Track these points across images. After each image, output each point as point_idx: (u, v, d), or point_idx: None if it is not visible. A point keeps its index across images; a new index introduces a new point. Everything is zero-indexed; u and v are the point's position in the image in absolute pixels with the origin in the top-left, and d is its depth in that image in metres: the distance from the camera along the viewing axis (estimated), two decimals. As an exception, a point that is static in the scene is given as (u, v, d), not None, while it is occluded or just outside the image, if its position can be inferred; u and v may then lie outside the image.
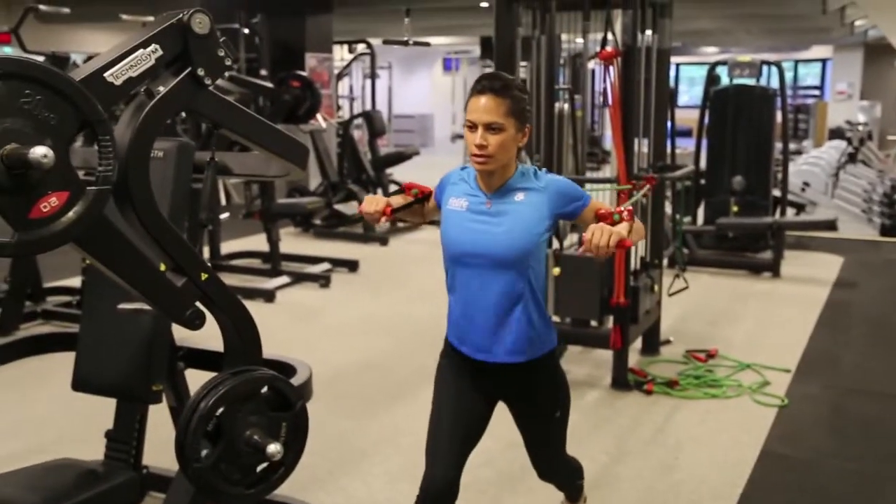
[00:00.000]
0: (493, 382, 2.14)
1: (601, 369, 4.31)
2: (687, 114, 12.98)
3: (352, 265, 6.79)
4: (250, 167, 2.71)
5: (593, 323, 4.39)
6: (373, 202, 2.14)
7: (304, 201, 7.51)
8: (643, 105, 4.37)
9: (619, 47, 4.01)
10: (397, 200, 2.22)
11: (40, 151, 1.55)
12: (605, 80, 3.94)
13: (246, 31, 8.52)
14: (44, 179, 1.61)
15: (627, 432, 3.62)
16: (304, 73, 8.20)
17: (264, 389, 2.07)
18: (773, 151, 6.98)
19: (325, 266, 6.65)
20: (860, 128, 14.17)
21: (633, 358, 4.42)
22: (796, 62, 20.84)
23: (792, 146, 10.38)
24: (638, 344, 4.57)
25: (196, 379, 2.29)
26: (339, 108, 11.08)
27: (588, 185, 4.24)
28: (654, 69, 4.47)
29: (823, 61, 20.86)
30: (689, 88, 21.41)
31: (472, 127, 1.99)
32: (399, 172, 9.31)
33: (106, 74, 1.79)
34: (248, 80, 6.77)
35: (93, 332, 2.59)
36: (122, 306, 2.31)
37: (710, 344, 4.74)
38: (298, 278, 6.36)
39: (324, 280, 6.29)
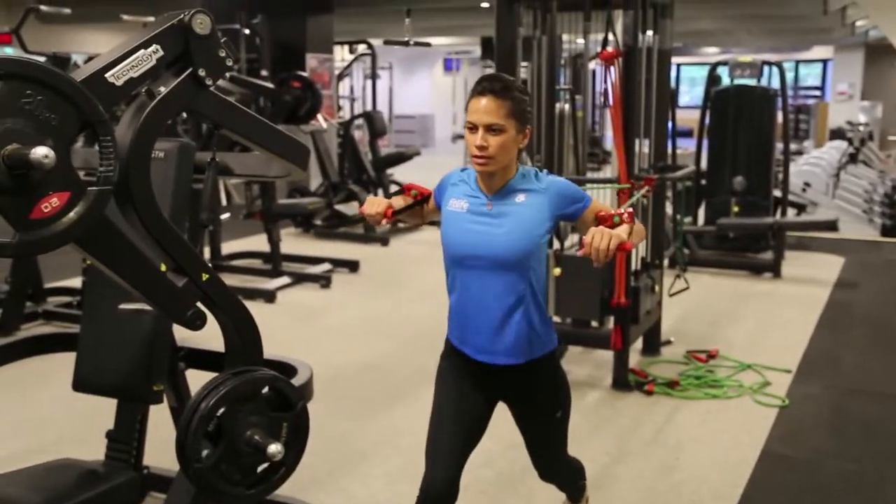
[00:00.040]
0: (494, 383, 2.14)
1: (602, 370, 4.31)
2: (688, 114, 12.98)
3: (352, 266, 6.80)
4: (251, 167, 2.71)
5: (594, 323, 4.39)
6: (374, 204, 2.14)
7: (304, 202, 7.51)
8: (644, 105, 4.37)
9: (620, 48, 4.01)
10: (398, 202, 2.22)
11: (41, 152, 1.55)
12: (605, 81, 3.93)
13: (247, 31, 8.52)
14: (45, 180, 1.61)
15: (628, 433, 3.62)
16: (304, 74, 8.20)
17: (265, 390, 2.06)
18: (773, 152, 6.98)
19: (326, 266, 6.66)
20: (861, 128, 14.18)
21: (634, 358, 4.42)
22: (797, 62, 20.85)
23: (793, 146, 10.39)
24: (639, 344, 4.57)
25: (197, 379, 2.29)
26: (339, 108, 11.09)
27: (588, 185, 4.25)
28: (654, 69, 4.47)
29: (824, 62, 20.86)
30: (690, 89, 21.41)
31: (473, 128, 1.99)
32: (400, 173, 9.31)
33: (107, 75, 1.79)
34: (248, 81, 6.77)
35: (93, 332, 2.59)
36: (122, 307, 2.31)
37: (710, 344, 4.74)
38: (299, 279, 6.36)
39: (324, 280, 6.29)
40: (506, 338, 2.06)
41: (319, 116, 8.02)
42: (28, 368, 3.27)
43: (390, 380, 4.28)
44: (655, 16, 4.42)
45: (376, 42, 10.32)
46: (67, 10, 6.24)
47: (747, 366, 4.42)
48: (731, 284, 6.35)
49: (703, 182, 7.10)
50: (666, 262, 5.11)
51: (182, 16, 1.92)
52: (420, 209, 2.26)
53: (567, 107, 4.64)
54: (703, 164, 7.20)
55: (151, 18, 4.64)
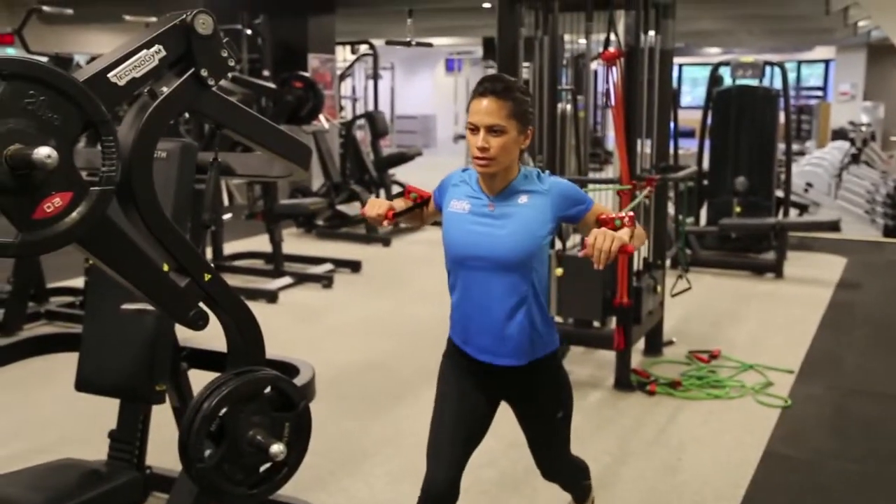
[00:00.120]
0: (496, 383, 2.14)
1: (604, 370, 4.31)
2: (690, 114, 12.98)
3: (354, 266, 6.80)
4: (253, 168, 2.71)
5: (596, 324, 4.39)
6: (375, 206, 2.15)
7: (306, 202, 7.51)
8: (646, 106, 4.36)
9: (622, 48, 4.01)
10: (399, 204, 2.23)
11: (44, 152, 1.55)
12: (607, 81, 3.94)
13: (249, 31, 8.54)
14: (47, 180, 1.61)
15: (630, 433, 3.62)
16: (306, 74, 8.20)
17: (267, 390, 2.07)
18: (775, 152, 6.97)
19: (328, 267, 6.66)
20: (863, 128, 14.15)
21: (636, 359, 4.42)
22: (799, 63, 20.82)
23: (795, 147, 10.40)
24: (641, 345, 4.57)
25: (199, 379, 2.29)
26: (341, 108, 11.11)
27: (590, 186, 4.25)
28: (656, 70, 4.46)
29: (826, 62, 20.84)
30: (692, 89, 21.40)
31: (474, 129, 1.99)
32: (402, 173, 9.31)
33: (109, 75, 1.80)
34: (250, 81, 6.78)
35: (96, 332, 2.59)
36: (125, 307, 2.32)
37: (712, 345, 4.73)
38: (301, 279, 6.36)
39: (326, 281, 6.29)
40: (508, 338, 2.06)
41: (321, 117, 8.02)
42: (30, 368, 3.28)
43: (392, 380, 4.29)
44: (657, 16, 4.42)
45: (378, 42, 10.33)
46: (70, 11, 6.24)
47: (749, 366, 4.42)
48: (733, 285, 6.34)
49: (705, 182, 7.09)
50: (668, 262, 5.10)
51: (184, 16, 1.92)
52: (420, 212, 2.26)
53: (569, 107, 4.64)
54: (705, 164, 7.20)
55: (154, 19, 4.64)
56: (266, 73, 8.29)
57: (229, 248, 7.05)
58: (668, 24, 4.52)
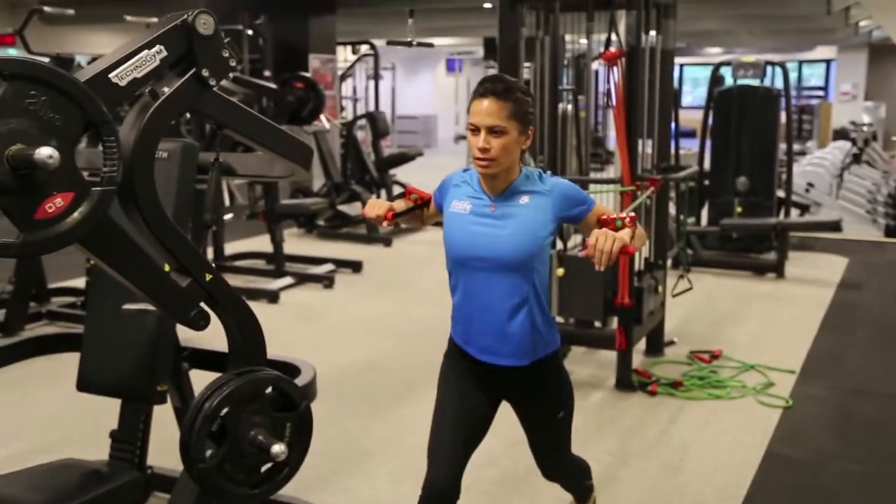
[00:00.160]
0: (497, 383, 2.14)
1: (605, 370, 4.31)
2: (691, 114, 12.96)
3: (355, 266, 6.80)
4: (254, 168, 2.71)
5: (597, 324, 4.38)
6: (375, 206, 2.15)
7: (307, 202, 7.52)
8: (647, 106, 4.36)
9: (623, 48, 4.01)
10: (399, 205, 2.22)
11: (45, 152, 1.55)
12: (608, 81, 3.94)
13: (250, 32, 8.53)
14: (49, 180, 1.61)
15: (631, 433, 3.62)
16: (307, 75, 8.21)
17: (269, 390, 2.07)
18: (777, 152, 6.96)
19: (329, 267, 6.66)
20: (864, 128, 14.16)
21: (637, 359, 4.42)
22: (800, 63, 20.81)
23: (796, 147, 10.39)
24: (642, 345, 4.57)
25: (201, 379, 2.29)
26: (342, 109, 11.11)
27: (591, 186, 4.25)
28: (657, 70, 4.46)
29: (828, 62, 20.84)
30: (693, 89, 21.38)
31: (475, 130, 1.98)
32: (402, 173, 9.32)
33: (111, 75, 1.80)
34: (251, 81, 6.78)
35: (97, 332, 2.60)
36: (126, 307, 2.32)
37: (714, 345, 4.73)
38: (302, 279, 6.36)
39: (327, 281, 6.29)
40: (509, 339, 2.06)
41: (322, 117, 8.03)
42: (32, 368, 3.28)
43: (393, 379, 4.29)
44: (658, 16, 4.42)
45: (379, 43, 10.34)
46: (71, 11, 6.25)
47: (751, 366, 4.42)
48: (734, 285, 6.34)
49: (707, 182, 7.09)
50: (669, 262, 5.10)
51: (185, 16, 1.92)
52: (420, 213, 2.26)
53: (570, 107, 4.64)
54: (707, 164, 7.19)
55: (155, 19, 4.64)
56: (267, 73, 8.28)
57: (230, 248, 7.06)
58: (670, 24, 4.52)
